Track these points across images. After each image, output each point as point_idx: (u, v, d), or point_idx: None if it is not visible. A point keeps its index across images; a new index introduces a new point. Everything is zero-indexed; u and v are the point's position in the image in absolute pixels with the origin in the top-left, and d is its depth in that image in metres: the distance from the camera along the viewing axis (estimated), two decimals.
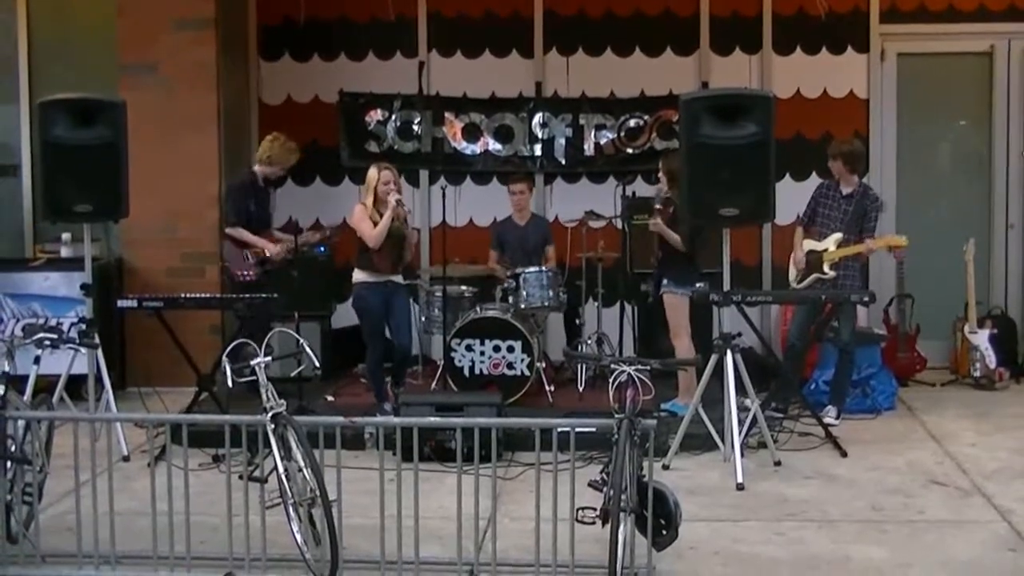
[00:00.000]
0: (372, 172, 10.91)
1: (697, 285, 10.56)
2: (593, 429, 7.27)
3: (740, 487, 9.07)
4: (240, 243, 11.38)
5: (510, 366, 11.27)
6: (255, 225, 11.47)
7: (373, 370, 11.07)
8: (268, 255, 11.33)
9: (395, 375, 11.26)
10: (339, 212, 11.88)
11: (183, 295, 10.78)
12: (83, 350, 9.43)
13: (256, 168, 11.57)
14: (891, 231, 12.21)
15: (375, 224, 10.69)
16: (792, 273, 11.41)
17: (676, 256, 10.81)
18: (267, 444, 7.02)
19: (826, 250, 11.02)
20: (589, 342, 12.50)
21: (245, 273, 11.38)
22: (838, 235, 11.00)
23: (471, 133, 13.75)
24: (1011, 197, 13.56)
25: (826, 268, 10.99)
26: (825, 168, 11.42)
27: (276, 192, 13.05)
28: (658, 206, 10.87)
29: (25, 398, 8.25)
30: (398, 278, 11.07)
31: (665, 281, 10.89)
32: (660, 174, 11.12)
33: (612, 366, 7.11)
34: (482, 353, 11.30)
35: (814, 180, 11.43)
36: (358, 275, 10.92)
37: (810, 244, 11.20)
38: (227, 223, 11.47)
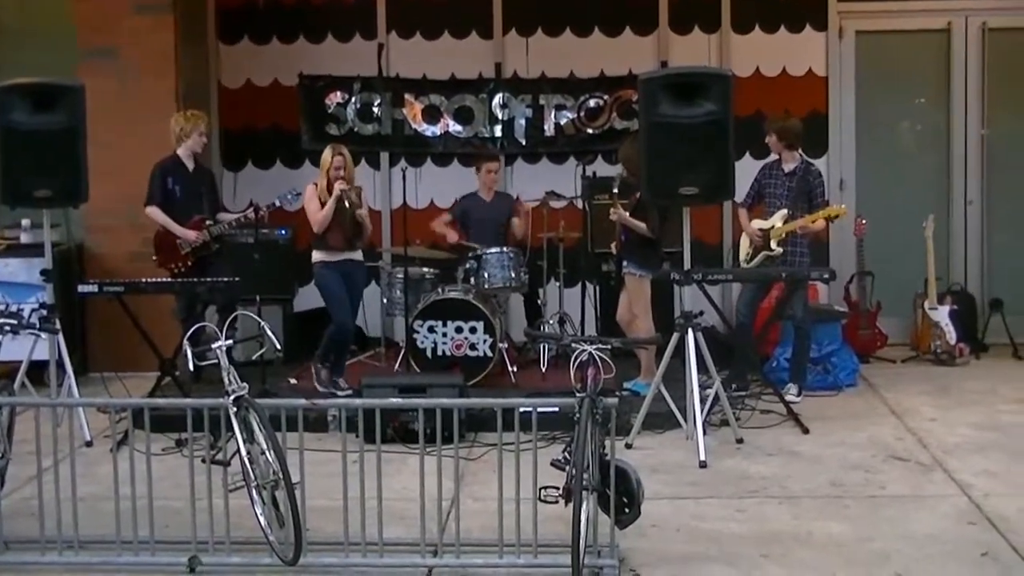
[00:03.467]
0: (326, 154, 10.95)
1: (664, 266, 10.64)
2: (555, 409, 7.34)
3: (703, 465, 9.11)
4: (170, 233, 11.36)
5: (472, 347, 11.29)
6: (181, 210, 11.41)
7: (337, 342, 11.10)
8: (186, 241, 11.34)
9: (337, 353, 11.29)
10: (301, 196, 11.82)
11: (144, 280, 10.76)
12: (44, 336, 9.43)
13: (178, 151, 11.52)
14: (850, 208, 12.26)
15: (324, 206, 10.77)
16: (743, 252, 11.46)
17: (638, 238, 10.83)
18: (230, 427, 7.02)
19: (772, 227, 11.08)
20: (551, 322, 12.52)
21: (177, 265, 11.38)
22: (783, 211, 11.06)
23: (431, 115, 13.74)
24: (970, 173, 13.63)
25: (773, 245, 11.04)
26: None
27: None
28: (615, 190, 10.89)
29: None
30: (356, 255, 11.15)
31: (625, 263, 10.92)
32: (620, 159, 11.18)
33: (574, 345, 7.14)
34: (444, 334, 11.32)
35: (774, 159, 11.45)
36: (316, 255, 11.03)
37: (758, 223, 11.25)
38: (145, 203, 11.45)
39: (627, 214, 10.78)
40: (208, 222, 11.39)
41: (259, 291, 10.88)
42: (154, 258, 11.50)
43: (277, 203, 11.30)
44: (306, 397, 7.64)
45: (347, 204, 10.84)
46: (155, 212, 11.33)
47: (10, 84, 9.67)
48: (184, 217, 11.34)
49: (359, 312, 11.59)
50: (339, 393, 10.85)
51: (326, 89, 13.73)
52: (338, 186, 10.72)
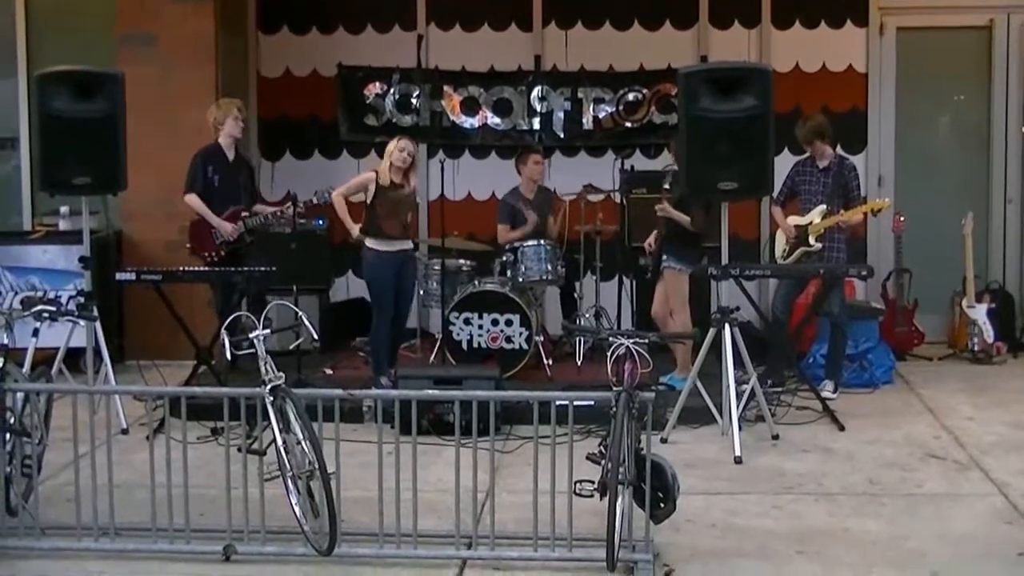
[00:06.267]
0: (391, 143, 11.02)
1: (703, 261, 10.64)
2: (591, 402, 7.28)
3: (738, 460, 9.09)
4: (205, 222, 11.38)
5: (508, 340, 11.28)
6: (219, 199, 11.39)
7: (377, 340, 11.09)
8: (222, 233, 11.33)
9: (390, 349, 11.28)
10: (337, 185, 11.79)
11: (182, 268, 10.79)
12: (82, 323, 9.41)
13: (219, 140, 11.49)
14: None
15: (370, 188, 10.88)
16: (779, 249, 11.43)
17: (680, 232, 10.80)
18: (266, 417, 7.03)
19: (811, 223, 11.05)
20: (587, 315, 12.50)
21: (210, 254, 11.37)
22: (822, 207, 11.03)
23: (469, 107, 13.74)
24: (1009, 171, 13.57)
25: (811, 240, 11.01)
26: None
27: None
28: (666, 186, 10.83)
29: (24, 370, 8.25)
30: (408, 245, 11.13)
31: (665, 257, 10.89)
32: (671, 154, 11.15)
33: (610, 339, 7.13)
34: (480, 327, 11.32)
35: (807, 156, 11.40)
36: (369, 242, 10.92)
37: (794, 219, 11.23)
38: (184, 191, 11.43)
39: (671, 207, 10.73)
40: (245, 213, 11.39)
41: (296, 281, 10.88)
42: (188, 246, 11.49)
43: (314, 200, 11.28)
44: (342, 387, 7.62)
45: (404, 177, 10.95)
46: (193, 200, 11.32)
47: (50, 72, 9.70)
48: (222, 207, 11.32)
49: (410, 303, 11.56)
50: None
51: (365, 80, 13.74)
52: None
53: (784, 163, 11.51)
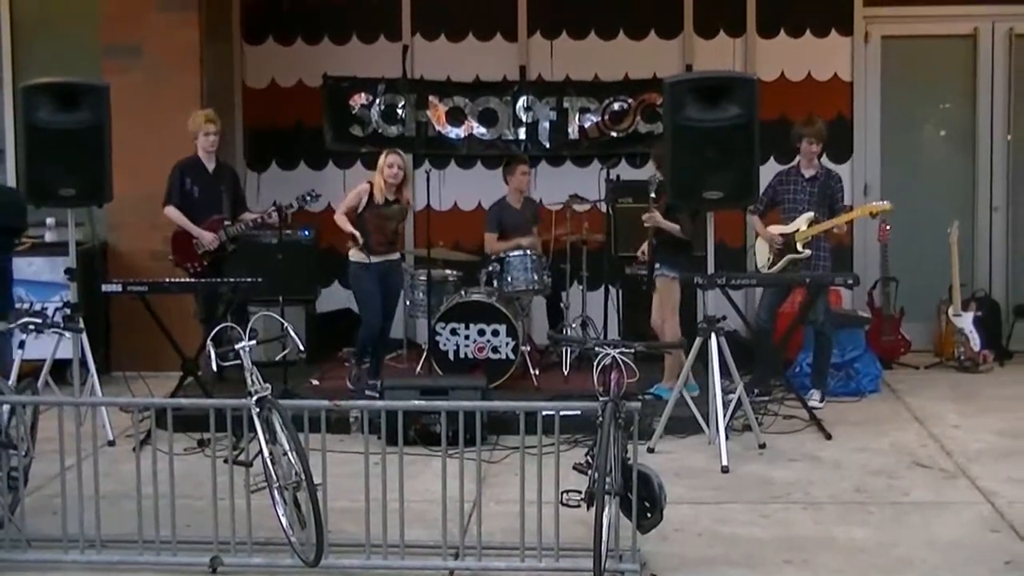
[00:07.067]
0: (381, 158, 11.14)
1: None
2: (578, 412, 7.29)
3: (725, 470, 9.08)
4: (186, 232, 11.35)
5: (495, 350, 11.27)
6: (200, 209, 11.35)
7: (365, 339, 11.15)
8: (203, 243, 11.30)
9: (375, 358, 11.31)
10: (323, 196, 11.78)
11: (168, 279, 10.78)
12: (68, 334, 9.40)
13: (198, 151, 11.49)
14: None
15: (363, 199, 10.97)
16: (761, 258, 11.41)
17: (671, 240, 10.78)
18: (252, 428, 7.03)
19: (797, 230, 11.04)
20: (574, 325, 12.49)
21: (193, 265, 11.35)
22: (809, 214, 11.02)
23: (455, 117, 13.75)
24: (995, 179, 13.59)
25: (799, 247, 11.00)
26: None
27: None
28: (652, 195, 10.81)
29: (10, 383, 8.23)
30: (394, 256, 11.27)
31: (658, 265, 10.88)
32: (653, 161, 11.15)
33: (596, 349, 7.13)
34: (467, 337, 11.30)
35: (791, 165, 11.41)
36: (353, 254, 11.04)
37: (777, 228, 11.22)
38: (163, 203, 11.40)
39: (660, 216, 10.72)
40: (226, 222, 11.37)
41: (282, 292, 10.87)
42: (170, 257, 11.47)
43: (295, 205, 11.25)
44: (329, 398, 7.61)
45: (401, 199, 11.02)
46: (172, 212, 11.30)
47: (35, 83, 9.70)
48: (202, 217, 11.30)
49: (394, 314, 11.56)
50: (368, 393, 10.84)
51: (350, 90, 13.74)
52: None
53: (769, 172, 11.51)
